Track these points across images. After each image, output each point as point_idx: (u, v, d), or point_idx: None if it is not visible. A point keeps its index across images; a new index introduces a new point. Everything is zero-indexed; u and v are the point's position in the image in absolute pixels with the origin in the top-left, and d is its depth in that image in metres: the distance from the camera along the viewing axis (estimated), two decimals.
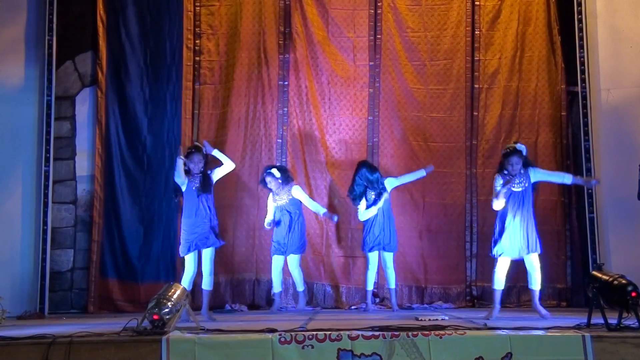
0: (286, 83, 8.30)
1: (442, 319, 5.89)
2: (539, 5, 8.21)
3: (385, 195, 7.30)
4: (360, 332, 4.62)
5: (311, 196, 8.11)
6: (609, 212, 7.66)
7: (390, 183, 7.41)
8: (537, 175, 6.23)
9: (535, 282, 6.16)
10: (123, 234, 8.03)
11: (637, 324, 4.78)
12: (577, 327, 4.91)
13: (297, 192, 7.45)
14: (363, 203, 7.33)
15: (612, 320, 4.84)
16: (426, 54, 8.36)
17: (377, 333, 4.62)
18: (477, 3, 8.32)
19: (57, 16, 7.98)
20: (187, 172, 6.66)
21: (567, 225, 7.97)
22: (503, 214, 6.17)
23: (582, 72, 7.87)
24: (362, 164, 7.39)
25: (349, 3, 8.38)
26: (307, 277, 8.04)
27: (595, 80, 7.85)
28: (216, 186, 6.90)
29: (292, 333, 4.61)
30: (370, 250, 7.31)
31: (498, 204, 6.13)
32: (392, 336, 4.58)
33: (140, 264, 7.99)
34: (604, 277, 5.10)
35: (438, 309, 7.67)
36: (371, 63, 8.33)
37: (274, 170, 7.38)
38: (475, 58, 8.30)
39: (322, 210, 7.53)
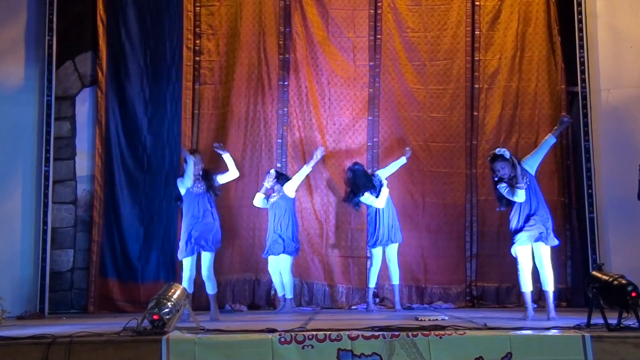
0: (286, 83, 8.31)
1: (442, 319, 5.89)
2: (539, 5, 8.22)
3: (385, 183, 7.34)
4: (360, 332, 4.62)
5: (311, 195, 8.14)
6: (609, 212, 7.66)
7: (381, 175, 7.46)
8: (531, 163, 6.10)
9: (547, 282, 6.00)
10: (123, 234, 8.04)
11: (637, 324, 4.77)
12: (577, 327, 4.91)
13: (288, 186, 7.41)
14: (367, 195, 7.30)
15: (612, 320, 4.84)
16: (426, 54, 8.36)
17: (377, 333, 4.61)
18: (477, 3, 8.33)
19: (57, 16, 7.99)
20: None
21: (567, 225, 7.97)
22: (515, 211, 6.08)
23: (582, 72, 7.88)
24: (354, 173, 7.39)
25: (349, 3, 8.39)
26: (307, 277, 8.05)
27: (595, 80, 7.85)
28: None
29: (292, 333, 4.61)
30: (374, 245, 7.29)
31: (521, 194, 5.97)
32: (392, 336, 4.58)
33: (140, 264, 7.99)
34: (604, 277, 5.09)
35: (438, 309, 7.67)
36: (371, 63, 8.34)
37: (272, 171, 7.50)
38: (475, 58, 8.30)
39: (308, 167, 7.49)
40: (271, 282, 7.68)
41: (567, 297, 7.87)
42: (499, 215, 7.70)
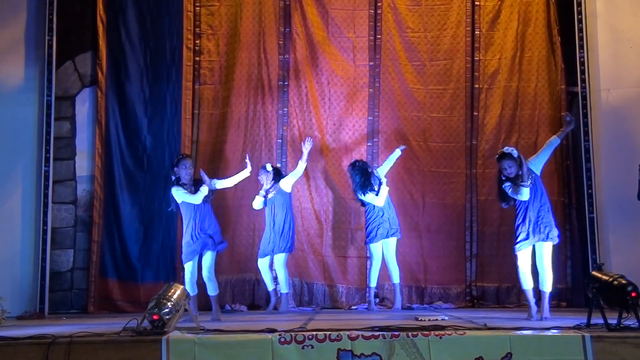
0: (286, 83, 8.31)
1: (442, 319, 5.89)
2: (539, 5, 8.22)
3: (384, 182, 7.36)
4: (360, 332, 4.62)
5: (311, 195, 8.15)
6: (609, 212, 7.66)
7: (380, 172, 7.47)
8: (536, 163, 6.10)
9: (545, 282, 6.01)
10: (123, 234, 8.04)
11: (637, 324, 4.78)
12: (577, 327, 4.91)
13: (284, 181, 7.42)
14: (369, 195, 7.31)
15: (612, 320, 4.84)
16: (426, 54, 8.36)
17: (377, 333, 4.62)
18: (477, 3, 8.33)
19: (57, 16, 7.97)
20: (178, 180, 6.55)
21: (567, 225, 7.97)
22: (520, 210, 6.09)
23: (582, 72, 7.87)
24: (355, 168, 7.43)
25: (349, 3, 8.38)
26: (307, 277, 8.05)
27: (595, 80, 7.85)
28: None
29: (292, 333, 4.61)
30: (372, 241, 7.28)
31: (525, 192, 5.95)
32: (392, 336, 4.58)
33: (140, 264, 7.99)
34: (604, 277, 5.09)
35: (438, 309, 7.67)
36: (371, 63, 8.34)
37: (267, 165, 7.52)
38: (475, 58, 8.30)
39: (302, 162, 7.46)
40: None
41: (567, 297, 7.86)
42: (499, 215, 7.73)
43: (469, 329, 4.84)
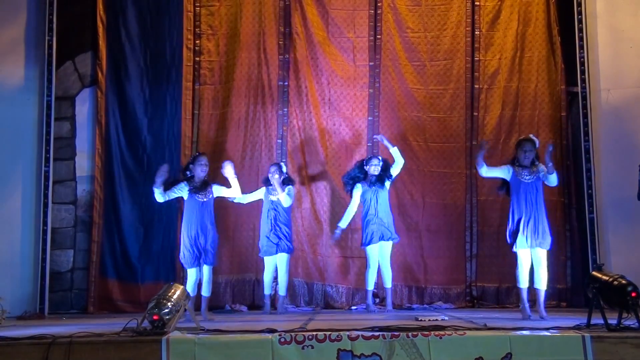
0: (286, 83, 8.30)
1: (442, 319, 5.89)
2: (539, 5, 8.22)
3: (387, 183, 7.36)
4: (360, 333, 4.62)
5: (311, 195, 8.13)
6: (609, 212, 7.66)
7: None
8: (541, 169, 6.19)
9: (541, 280, 6.09)
10: (123, 234, 8.04)
11: (637, 324, 4.78)
12: (577, 328, 4.91)
13: (284, 198, 7.25)
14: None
15: (612, 320, 4.85)
16: (426, 54, 8.36)
17: (377, 333, 4.62)
18: (477, 3, 8.33)
19: (57, 16, 7.97)
20: (191, 177, 6.72)
21: (567, 225, 7.97)
22: (515, 206, 6.14)
23: (582, 72, 7.88)
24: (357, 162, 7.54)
25: (349, 3, 8.38)
26: (307, 277, 8.05)
27: (595, 80, 7.85)
28: None
29: (292, 333, 4.61)
30: (368, 243, 7.24)
31: (481, 169, 6.26)
32: (392, 336, 4.58)
33: (140, 264, 7.99)
34: (604, 277, 5.10)
35: (438, 309, 7.67)
36: (371, 63, 8.34)
37: (284, 165, 7.49)
38: (475, 58, 8.30)
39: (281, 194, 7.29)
40: None
41: (567, 297, 7.86)
42: (499, 215, 7.72)
43: (469, 329, 4.84)
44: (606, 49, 7.87)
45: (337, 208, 8.13)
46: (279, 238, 7.25)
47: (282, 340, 4.57)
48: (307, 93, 8.31)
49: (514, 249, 6.15)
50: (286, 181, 7.36)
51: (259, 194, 7.43)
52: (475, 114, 8.25)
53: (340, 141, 8.28)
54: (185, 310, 5.21)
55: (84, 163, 8.14)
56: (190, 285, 6.61)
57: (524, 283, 6.14)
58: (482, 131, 8.20)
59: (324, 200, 8.20)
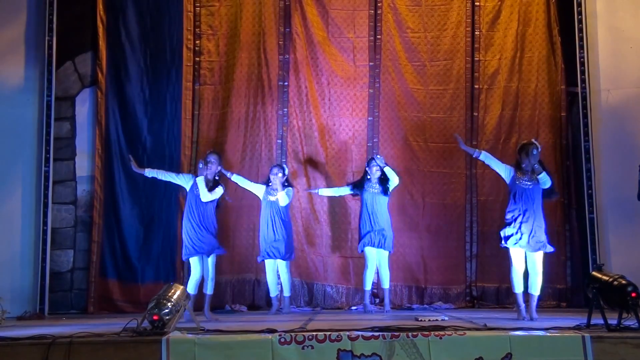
0: (286, 83, 8.30)
1: (442, 320, 5.89)
2: (539, 5, 8.22)
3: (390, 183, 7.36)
4: (360, 333, 4.62)
5: (310, 195, 8.11)
6: (609, 212, 7.66)
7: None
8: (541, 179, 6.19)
9: (535, 286, 6.07)
10: (123, 234, 8.04)
11: (637, 324, 4.78)
12: (577, 328, 4.91)
13: (282, 197, 7.26)
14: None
15: (612, 320, 4.84)
16: (426, 55, 8.36)
17: (377, 333, 4.62)
18: (477, 3, 8.33)
19: (57, 16, 7.98)
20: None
21: (567, 225, 7.98)
22: (512, 208, 6.13)
23: (582, 72, 7.88)
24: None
25: (349, 3, 8.38)
26: (307, 277, 8.05)
27: (595, 80, 7.85)
28: None
29: (292, 333, 4.61)
30: (364, 246, 7.24)
31: (480, 154, 6.41)
32: (392, 337, 4.58)
33: (140, 265, 7.99)
34: (604, 277, 5.10)
35: (438, 309, 7.67)
36: (371, 63, 8.34)
37: (285, 167, 7.49)
38: (475, 58, 8.30)
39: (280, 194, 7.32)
40: None
41: (567, 297, 7.86)
42: (499, 215, 7.67)
43: (469, 329, 4.84)
44: (606, 49, 7.87)
45: (337, 208, 8.14)
46: (278, 245, 7.22)
47: (282, 340, 4.56)
48: (307, 93, 8.31)
49: (505, 244, 6.11)
50: (286, 184, 7.37)
51: (258, 189, 7.41)
52: (475, 114, 8.25)
53: (340, 141, 8.28)
54: (185, 310, 5.21)
55: (84, 163, 8.14)
56: (192, 280, 6.60)
57: (518, 288, 6.11)
58: (482, 131, 8.21)
59: (323, 200, 8.19)
